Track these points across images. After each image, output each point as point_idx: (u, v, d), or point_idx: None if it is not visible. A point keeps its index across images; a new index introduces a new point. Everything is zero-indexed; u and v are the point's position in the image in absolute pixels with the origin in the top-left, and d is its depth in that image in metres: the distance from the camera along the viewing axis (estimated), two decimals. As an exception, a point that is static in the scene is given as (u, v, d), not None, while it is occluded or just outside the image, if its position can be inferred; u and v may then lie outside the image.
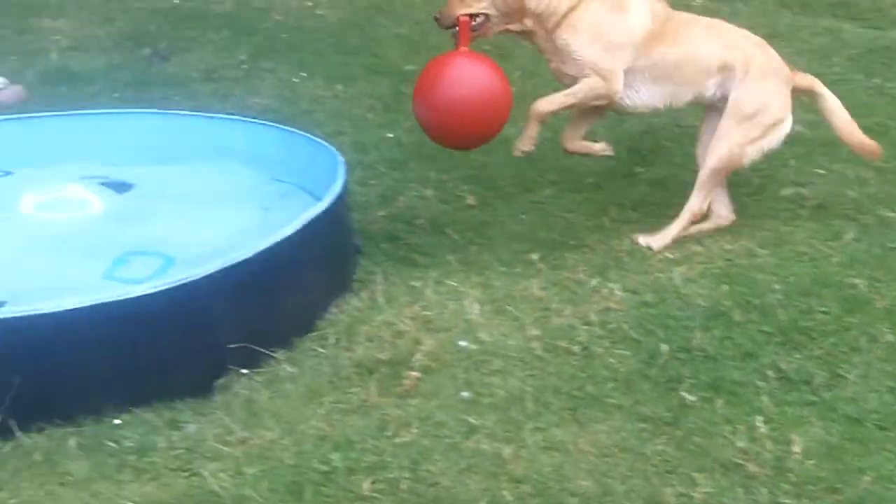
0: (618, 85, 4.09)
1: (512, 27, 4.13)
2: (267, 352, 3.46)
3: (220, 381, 3.37)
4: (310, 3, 7.35)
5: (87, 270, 3.67)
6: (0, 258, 3.83)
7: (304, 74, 6.05)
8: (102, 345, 3.16)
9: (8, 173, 4.46)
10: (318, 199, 4.22)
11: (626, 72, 4.12)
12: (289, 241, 3.47)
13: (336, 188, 3.81)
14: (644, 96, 4.21)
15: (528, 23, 4.10)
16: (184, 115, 4.68)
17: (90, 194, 4.25)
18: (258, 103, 5.65)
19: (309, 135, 4.42)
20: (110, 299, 3.14)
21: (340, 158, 4.06)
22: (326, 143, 4.30)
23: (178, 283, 3.21)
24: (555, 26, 4.06)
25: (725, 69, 4.20)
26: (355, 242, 4.11)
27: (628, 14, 4.13)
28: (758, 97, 4.20)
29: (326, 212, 3.67)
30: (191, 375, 3.31)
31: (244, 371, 3.41)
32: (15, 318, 3.10)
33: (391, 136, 5.25)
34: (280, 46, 6.49)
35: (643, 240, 4.19)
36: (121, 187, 4.39)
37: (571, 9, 4.04)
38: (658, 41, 4.14)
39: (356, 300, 3.83)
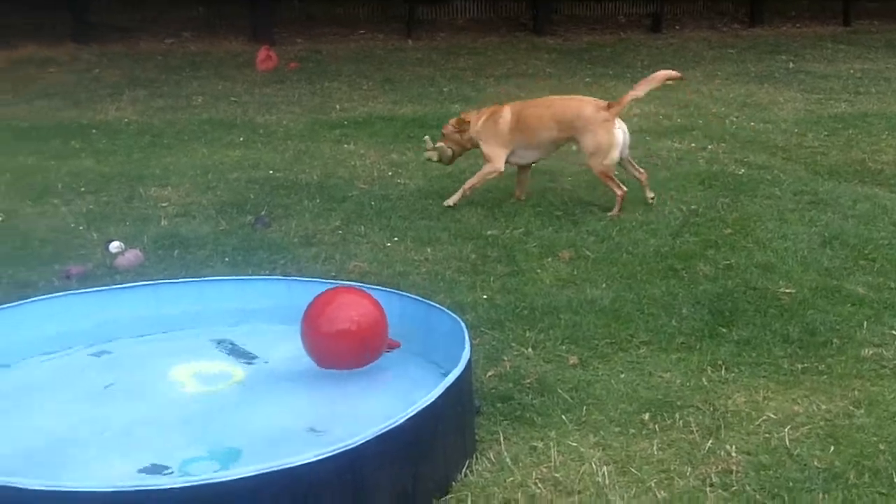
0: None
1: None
2: (411, 515, 3.27)
3: (370, 544, 3.17)
4: (390, 174, 7.34)
5: (240, 440, 3.52)
6: (159, 428, 3.68)
7: (396, 239, 5.98)
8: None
9: (146, 337, 4.35)
10: (432, 362, 4.12)
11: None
12: (433, 406, 3.31)
13: (465, 354, 3.66)
14: None
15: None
16: (306, 281, 4.57)
17: (233, 365, 4.13)
18: (357, 266, 5.56)
19: (426, 300, 4.31)
20: (275, 468, 2.96)
21: (463, 324, 3.93)
22: (444, 309, 4.18)
23: (337, 451, 3.04)
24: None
25: None
26: (476, 404, 3.94)
27: None
28: None
29: (461, 377, 3.52)
30: (343, 539, 3.11)
31: (390, 534, 3.22)
32: (184, 487, 2.92)
33: (485, 297, 5.13)
34: (369, 213, 6.44)
35: None
36: (247, 355, 4.28)
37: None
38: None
39: (484, 461, 3.64)
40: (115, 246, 5.75)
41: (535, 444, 3.77)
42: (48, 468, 3.26)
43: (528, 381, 4.26)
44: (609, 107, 6.38)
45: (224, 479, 2.97)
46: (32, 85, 10.84)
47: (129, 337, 4.36)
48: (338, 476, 3.05)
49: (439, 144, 6.61)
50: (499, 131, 6.45)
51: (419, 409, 3.25)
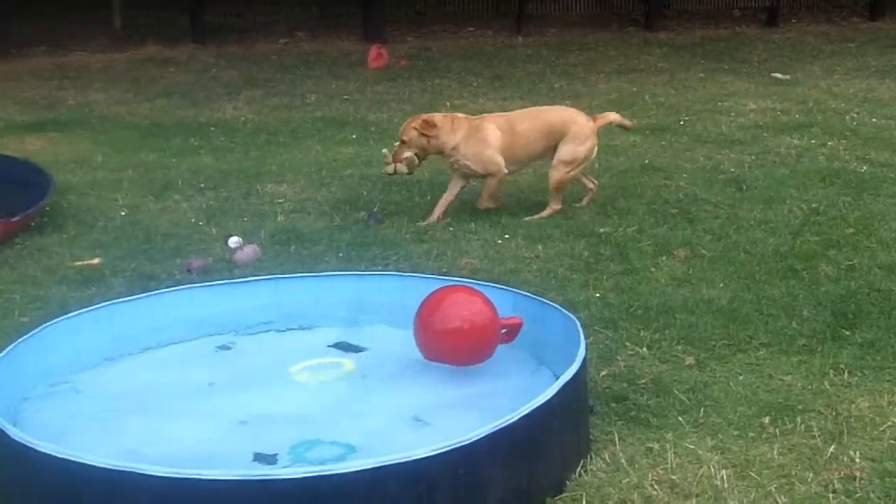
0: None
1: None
2: (525, 512, 3.26)
3: (485, 540, 3.17)
4: (500, 170, 7.32)
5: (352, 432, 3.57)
6: (281, 419, 3.75)
7: (507, 236, 5.97)
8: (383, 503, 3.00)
9: (264, 329, 4.44)
10: (543, 360, 4.10)
11: None
12: (548, 404, 3.29)
13: (581, 352, 3.64)
14: None
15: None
16: (420, 277, 4.60)
17: (345, 358, 4.18)
18: (468, 263, 5.57)
19: (539, 297, 4.29)
20: (392, 462, 2.99)
21: (578, 322, 3.90)
22: (558, 307, 4.16)
23: (453, 447, 3.05)
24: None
25: None
26: (590, 403, 3.91)
27: None
28: None
29: (576, 375, 3.49)
30: (458, 535, 3.12)
31: (505, 531, 3.21)
32: (305, 477, 2.97)
33: (598, 295, 5.09)
34: (478, 210, 6.44)
35: None
36: (360, 349, 4.33)
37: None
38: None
39: (599, 461, 3.61)
40: (233, 241, 5.88)
41: (650, 445, 3.72)
42: (166, 456, 3.34)
43: (643, 381, 4.20)
44: (594, 120, 6.34)
45: (341, 471, 3.01)
46: (153, 84, 11.15)
47: (248, 329, 4.45)
48: (452, 471, 3.06)
49: (407, 154, 6.11)
50: (489, 145, 6.13)
51: (535, 406, 3.24)
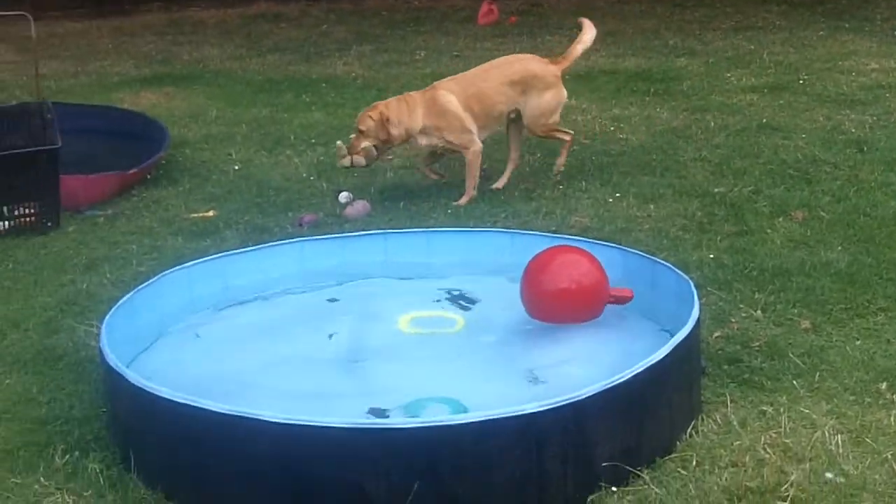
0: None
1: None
2: (635, 471, 3.24)
3: (593, 497, 3.17)
4: (612, 128, 7.24)
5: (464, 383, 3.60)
6: (383, 371, 3.81)
7: (618, 195, 5.90)
8: (492, 456, 3.02)
9: (374, 283, 4.51)
10: (654, 319, 4.06)
11: None
12: (661, 363, 3.26)
13: (695, 312, 3.59)
14: None
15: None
16: (530, 234, 4.58)
17: (454, 313, 4.21)
18: (578, 221, 5.53)
19: (652, 257, 4.25)
20: (501, 415, 3.01)
21: (692, 284, 3.85)
22: (671, 266, 4.11)
23: (563, 402, 3.05)
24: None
25: None
26: (702, 364, 3.86)
27: None
28: None
29: (689, 335, 3.45)
30: (566, 490, 3.13)
31: (613, 489, 3.20)
32: (417, 428, 3.01)
33: (711, 256, 5.00)
34: (590, 168, 6.38)
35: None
36: (469, 304, 4.35)
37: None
38: None
39: (710, 423, 3.57)
40: (344, 196, 5.95)
41: (763, 408, 3.66)
42: (282, 403, 3.41)
43: (757, 344, 4.13)
44: (557, 63, 5.95)
45: (452, 423, 3.04)
46: (265, 40, 11.30)
47: (358, 283, 4.51)
48: (562, 427, 3.06)
49: (364, 145, 5.65)
50: (452, 114, 5.69)
51: (647, 365, 3.22)
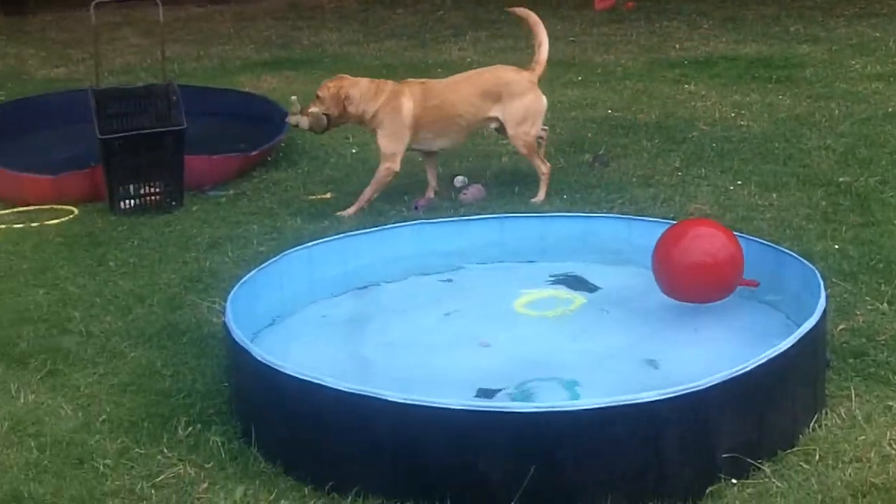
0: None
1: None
2: (755, 463, 3.18)
3: (712, 488, 3.12)
4: (732, 115, 7.10)
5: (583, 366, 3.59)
6: (498, 353, 3.81)
7: (739, 182, 5.79)
8: (610, 443, 2.99)
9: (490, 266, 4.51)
10: (778, 309, 3.97)
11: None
12: (786, 354, 3.19)
13: (821, 303, 3.50)
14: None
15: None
16: (648, 221, 4.53)
17: (572, 295, 4.18)
18: (697, 209, 5.44)
19: (777, 246, 4.16)
20: (620, 403, 2.98)
21: (818, 273, 3.75)
22: (797, 256, 4.01)
23: (684, 392, 3.01)
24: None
25: None
26: (827, 357, 3.76)
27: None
28: None
29: (816, 327, 3.37)
30: (685, 481, 3.08)
31: (733, 481, 3.14)
32: (535, 412, 3.01)
33: (836, 247, 4.86)
34: (710, 155, 6.27)
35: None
36: (587, 287, 4.32)
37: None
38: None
39: (834, 417, 3.47)
40: (459, 180, 5.96)
41: (889, 403, 3.55)
42: (401, 381, 3.44)
43: (883, 337, 4.01)
44: (529, 70, 5.64)
45: (569, 409, 3.03)
46: (382, 25, 11.39)
47: (474, 265, 4.52)
48: (682, 417, 3.01)
49: (312, 110, 5.52)
50: (398, 121, 5.52)
51: (771, 356, 3.15)
